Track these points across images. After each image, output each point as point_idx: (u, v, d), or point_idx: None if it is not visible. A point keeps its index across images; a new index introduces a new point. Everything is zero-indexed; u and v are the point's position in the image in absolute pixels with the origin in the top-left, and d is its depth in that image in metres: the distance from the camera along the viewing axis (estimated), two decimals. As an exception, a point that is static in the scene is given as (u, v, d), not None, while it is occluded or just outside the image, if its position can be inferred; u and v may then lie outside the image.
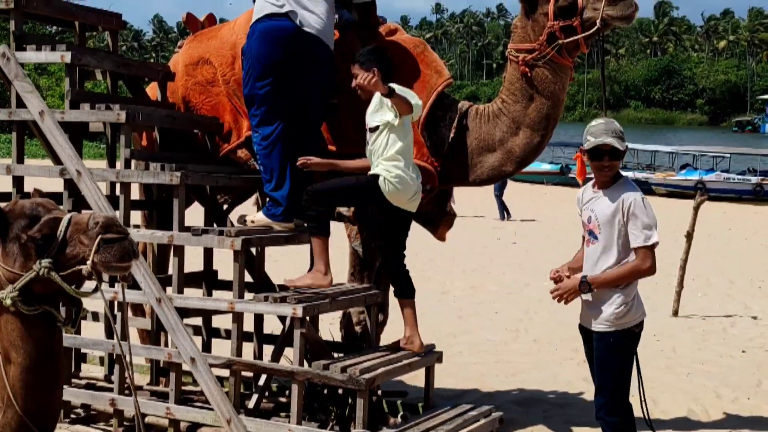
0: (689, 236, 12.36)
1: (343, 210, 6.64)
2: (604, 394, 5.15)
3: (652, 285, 14.75)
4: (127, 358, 5.18)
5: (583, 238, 5.33)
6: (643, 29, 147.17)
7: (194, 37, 7.22)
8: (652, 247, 5.03)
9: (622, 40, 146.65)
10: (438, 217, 6.84)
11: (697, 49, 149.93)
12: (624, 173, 5.40)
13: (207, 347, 7.05)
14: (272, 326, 7.49)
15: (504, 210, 26.35)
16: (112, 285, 6.09)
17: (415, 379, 7.58)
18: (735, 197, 38.04)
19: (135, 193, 7.07)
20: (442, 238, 6.97)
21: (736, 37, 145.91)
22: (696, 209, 12.48)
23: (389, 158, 5.92)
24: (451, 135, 6.48)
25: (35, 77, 43.31)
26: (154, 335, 6.56)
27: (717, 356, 9.88)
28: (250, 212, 6.75)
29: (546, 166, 44.37)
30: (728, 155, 43.85)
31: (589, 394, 8.00)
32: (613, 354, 5.10)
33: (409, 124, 5.97)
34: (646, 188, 40.14)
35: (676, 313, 12.22)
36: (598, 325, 5.13)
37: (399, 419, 6.49)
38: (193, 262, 7.46)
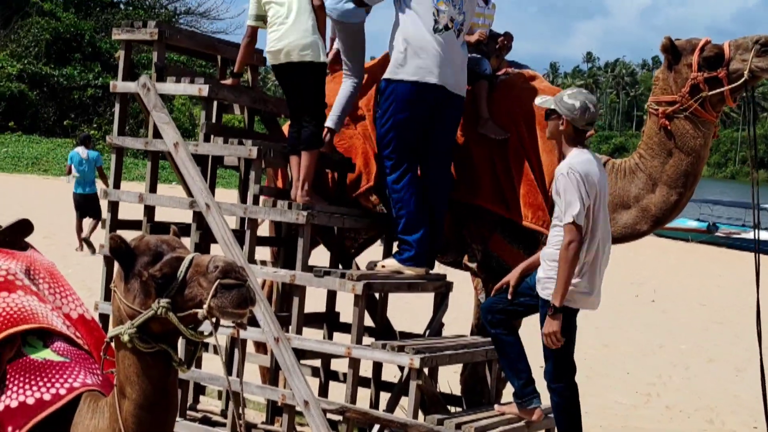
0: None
1: (468, 261, 6.50)
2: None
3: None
4: (240, 397, 5.13)
5: None
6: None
7: (333, 78, 7.17)
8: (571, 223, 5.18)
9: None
10: None
11: None
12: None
13: (324, 389, 6.95)
14: (393, 373, 7.34)
15: None
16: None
17: (536, 439, 7.29)
18: None
19: (265, 230, 7.07)
20: None
21: None
22: None
23: None
24: None
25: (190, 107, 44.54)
26: (273, 374, 6.50)
27: None
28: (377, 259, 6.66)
29: (692, 223, 43.10)
30: None
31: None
32: None
33: None
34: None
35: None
36: None
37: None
38: (320, 303, 7.40)
